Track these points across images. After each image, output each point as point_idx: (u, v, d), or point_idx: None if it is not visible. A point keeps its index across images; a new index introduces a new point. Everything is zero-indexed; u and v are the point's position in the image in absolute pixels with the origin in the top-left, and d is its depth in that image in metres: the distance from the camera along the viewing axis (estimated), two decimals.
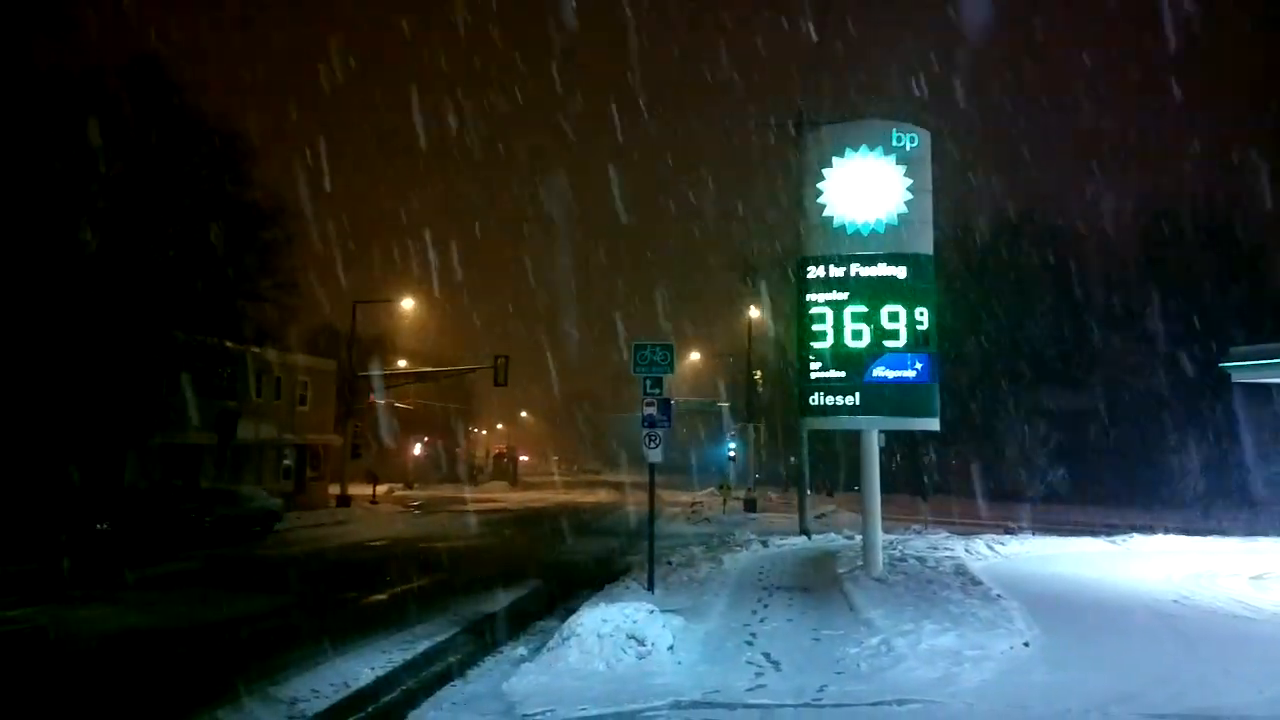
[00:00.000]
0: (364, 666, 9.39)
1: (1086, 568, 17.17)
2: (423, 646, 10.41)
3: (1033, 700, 7.81)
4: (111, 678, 9.23)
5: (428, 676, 9.08)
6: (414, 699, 8.13)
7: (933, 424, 15.09)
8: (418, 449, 66.81)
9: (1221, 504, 33.71)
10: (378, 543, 24.15)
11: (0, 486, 22.22)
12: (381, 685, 8.83)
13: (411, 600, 13.88)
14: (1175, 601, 13.16)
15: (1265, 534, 24.17)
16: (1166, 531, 24.07)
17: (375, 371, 45.07)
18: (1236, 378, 19.86)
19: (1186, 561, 18.25)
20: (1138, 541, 21.67)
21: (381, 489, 46.25)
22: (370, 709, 8.06)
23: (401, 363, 56.23)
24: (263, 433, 35.44)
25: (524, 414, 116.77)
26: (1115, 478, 39.13)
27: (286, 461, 38.38)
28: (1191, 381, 35.87)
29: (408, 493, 52.74)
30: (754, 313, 41.80)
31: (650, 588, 13.32)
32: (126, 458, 27.11)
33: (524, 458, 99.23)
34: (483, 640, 10.72)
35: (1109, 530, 24.09)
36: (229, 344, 30.16)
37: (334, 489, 39.50)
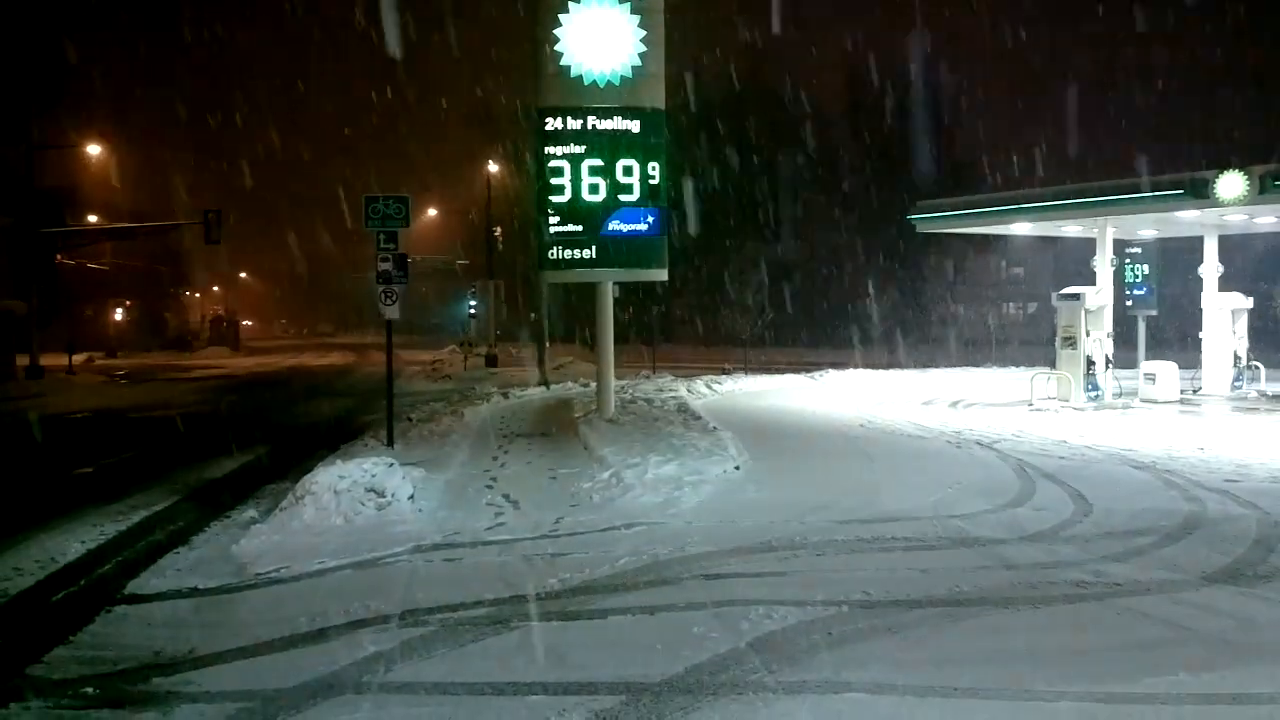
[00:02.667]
0: (73, 541, 8.72)
1: (790, 401, 19.23)
2: (139, 517, 9.80)
3: (742, 515, 8.80)
4: None
5: (146, 546, 8.61)
6: (133, 569, 7.73)
7: (662, 274, 15.94)
8: (119, 314, 60.41)
9: (903, 341, 38.50)
10: (79, 415, 21.98)
11: None
12: (94, 558, 8.28)
13: (124, 471, 12.93)
14: (861, 425, 15.15)
15: (936, 366, 28.09)
16: (856, 367, 27.28)
17: (62, 228, 39.61)
18: (920, 228, 22.43)
19: (872, 392, 21.00)
20: (832, 377, 24.53)
21: (80, 358, 41.60)
22: (83, 582, 7.56)
23: (92, 218, 49.86)
24: None
25: (244, 275, 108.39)
26: (815, 320, 43.43)
27: None
28: (882, 232, 40.05)
29: (111, 361, 47.87)
30: (493, 167, 40.93)
31: (390, 443, 13.28)
32: None
33: (247, 322, 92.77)
34: (208, 507, 10.26)
35: (809, 368, 26.93)
36: None
37: (23, 360, 35.10)
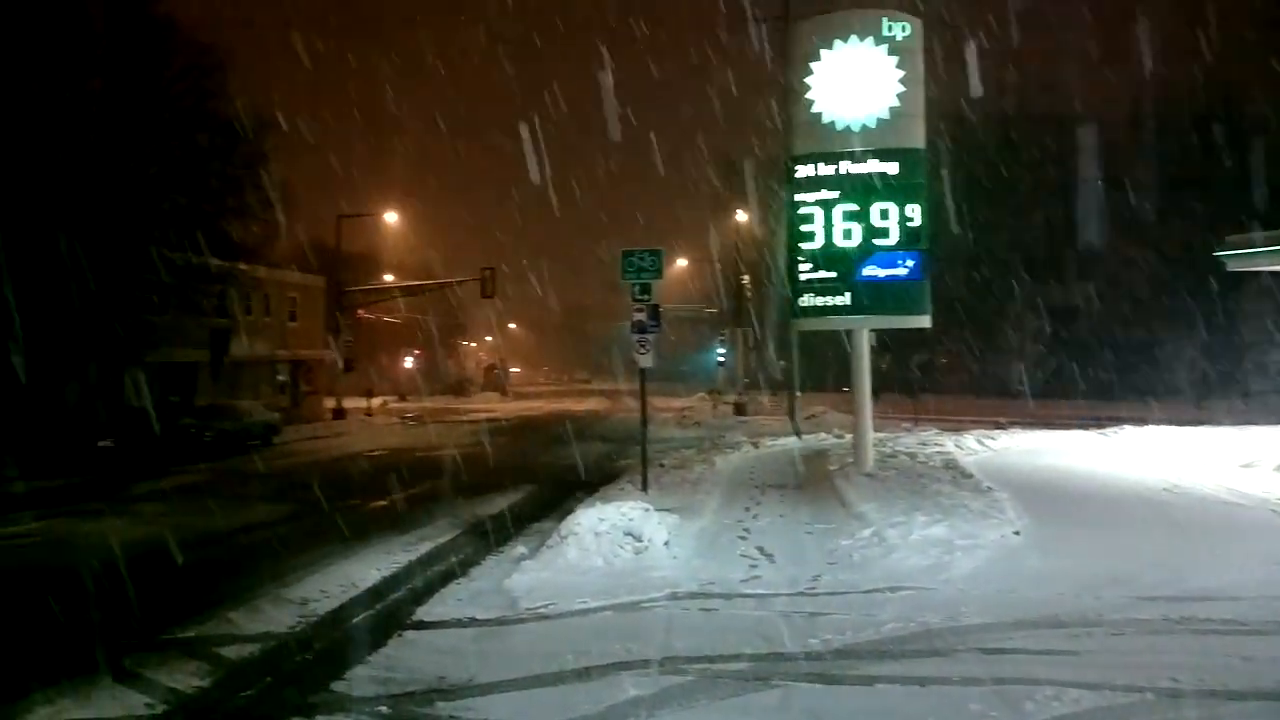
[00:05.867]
0: (370, 568, 9.61)
1: (1077, 460, 17.43)
2: (425, 548, 10.64)
3: (1024, 585, 8.02)
4: (127, 585, 9.41)
5: (432, 575, 9.31)
6: (420, 596, 8.37)
7: (924, 321, 15.17)
8: (409, 362, 66.99)
9: (1214, 394, 34.07)
10: (376, 452, 24.43)
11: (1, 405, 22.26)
12: (388, 584, 9.06)
13: (412, 505, 14.13)
14: (1165, 490, 13.39)
15: (1256, 423, 24.44)
16: (1157, 423, 24.31)
17: (363, 286, 44.97)
18: (1230, 266, 19.75)
19: (1177, 452, 18.49)
20: (1129, 433, 21.89)
21: (376, 401, 46.57)
22: (378, 606, 8.28)
23: (388, 276, 55.92)
24: (256, 349, 35.49)
25: (513, 325, 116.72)
26: (1107, 371, 39.40)
27: (280, 377, 38.58)
28: (1184, 271, 35.81)
29: (402, 404, 53.09)
30: (741, 216, 41.43)
31: (644, 488, 13.55)
32: (123, 377, 27.15)
33: (514, 369, 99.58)
34: (484, 541, 10.96)
35: (1099, 423, 24.38)
36: (216, 261, 29.94)
37: (329, 403, 39.77)
